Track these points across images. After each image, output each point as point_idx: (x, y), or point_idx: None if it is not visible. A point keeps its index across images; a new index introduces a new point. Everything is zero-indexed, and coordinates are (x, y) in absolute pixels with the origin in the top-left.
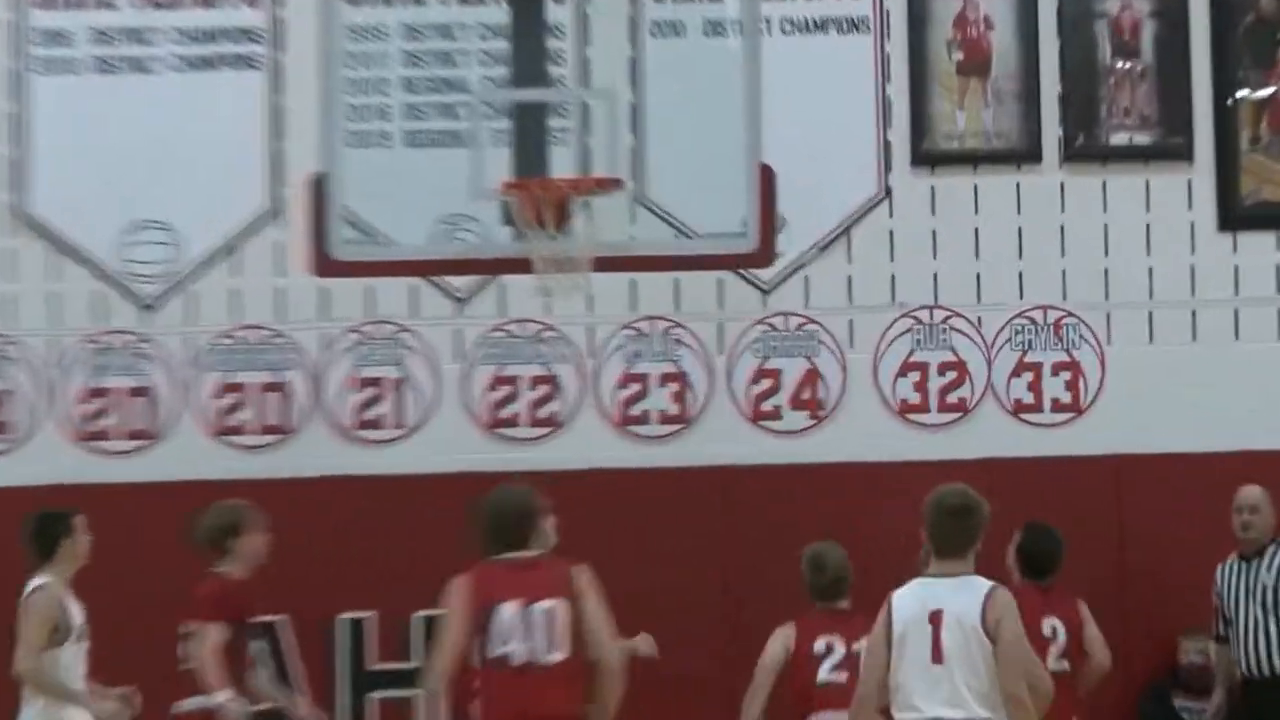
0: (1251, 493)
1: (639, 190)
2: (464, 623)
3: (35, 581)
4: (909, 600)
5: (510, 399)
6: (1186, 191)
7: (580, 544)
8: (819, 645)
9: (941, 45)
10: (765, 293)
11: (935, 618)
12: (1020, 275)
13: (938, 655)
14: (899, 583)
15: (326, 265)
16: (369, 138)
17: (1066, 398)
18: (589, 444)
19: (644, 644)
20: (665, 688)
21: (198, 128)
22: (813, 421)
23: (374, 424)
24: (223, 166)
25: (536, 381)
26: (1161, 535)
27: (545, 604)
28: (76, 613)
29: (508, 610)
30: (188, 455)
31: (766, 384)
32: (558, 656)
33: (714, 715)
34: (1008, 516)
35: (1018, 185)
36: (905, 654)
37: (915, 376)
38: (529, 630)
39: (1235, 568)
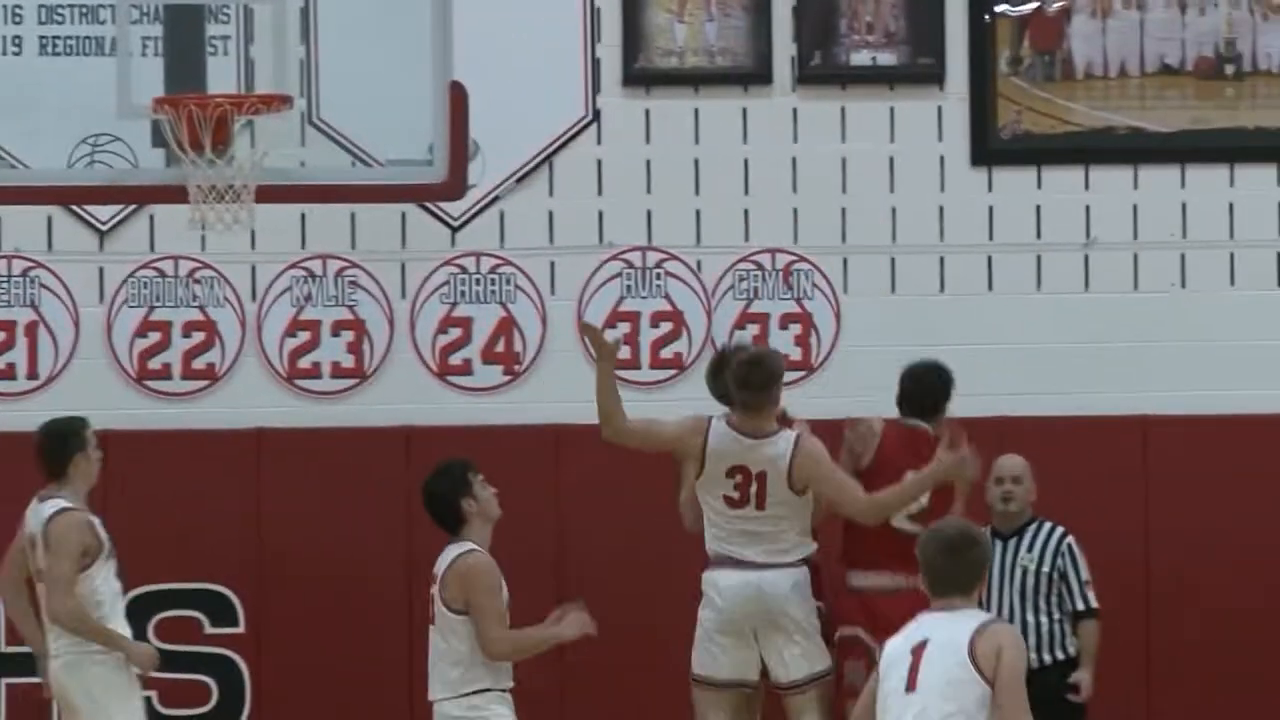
0: (1014, 462)
1: (311, 110)
2: None
3: (52, 505)
4: (898, 641)
5: (160, 347)
6: (936, 120)
7: (240, 510)
8: None
9: None
10: (454, 230)
11: (918, 649)
12: (746, 214)
13: (912, 684)
14: (609, 562)
15: None
16: None
17: (796, 353)
18: (251, 400)
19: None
20: (349, 664)
21: None
22: (508, 377)
23: (2, 374)
24: None
25: (190, 327)
26: None
27: None
28: (100, 528)
29: None
30: None
31: (455, 334)
32: None
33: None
34: None
35: (744, 110)
36: (884, 688)
37: (625, 328)
38: None
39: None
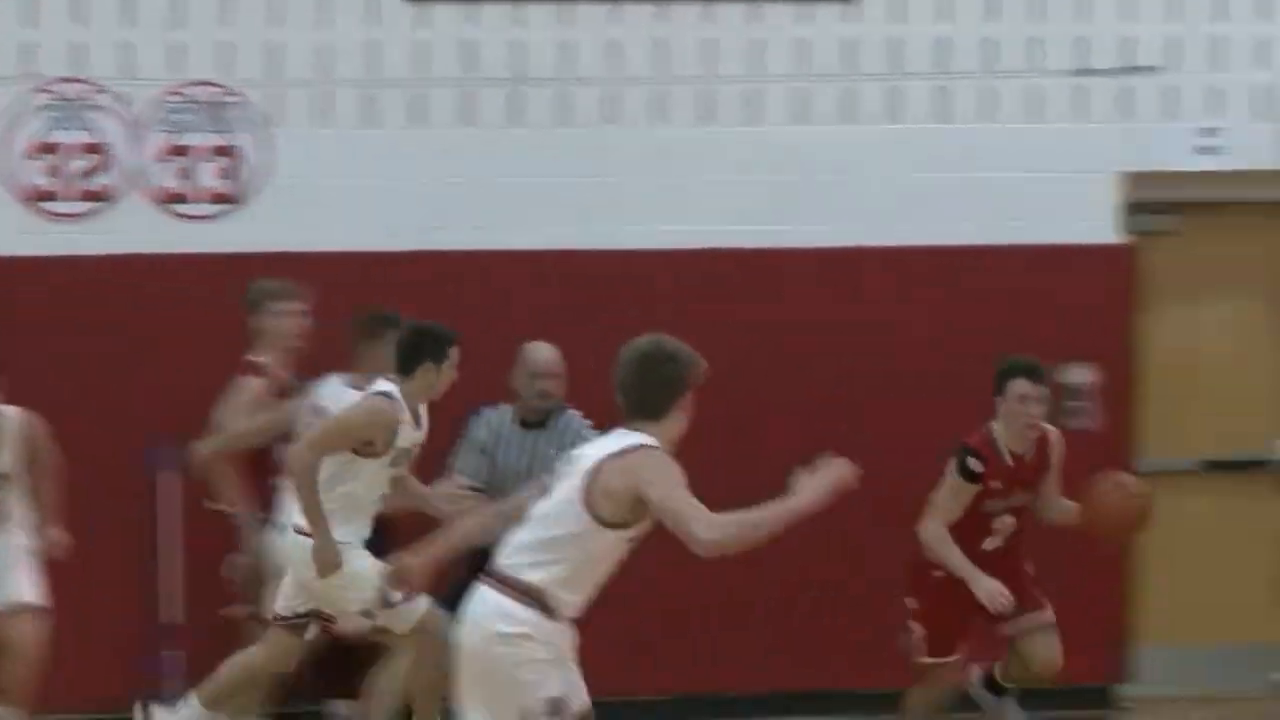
0: (550, 356)
1: None
2: None
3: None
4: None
5: None
6: None
7: None
8: None
9: None
10: None
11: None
12: (176, 47)
13: (549, 493)
14: None
15: None
16: None
17: (224, 187)
18: None
19: None
20: None
21: None
22: None
23: None
24: None
25: None
26: None
27: None
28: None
29: None
30: None
31: None
32: None
33: None
34: (154, 320)
35: None
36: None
37: (50, 159)
38: None
39: (509, 433)
